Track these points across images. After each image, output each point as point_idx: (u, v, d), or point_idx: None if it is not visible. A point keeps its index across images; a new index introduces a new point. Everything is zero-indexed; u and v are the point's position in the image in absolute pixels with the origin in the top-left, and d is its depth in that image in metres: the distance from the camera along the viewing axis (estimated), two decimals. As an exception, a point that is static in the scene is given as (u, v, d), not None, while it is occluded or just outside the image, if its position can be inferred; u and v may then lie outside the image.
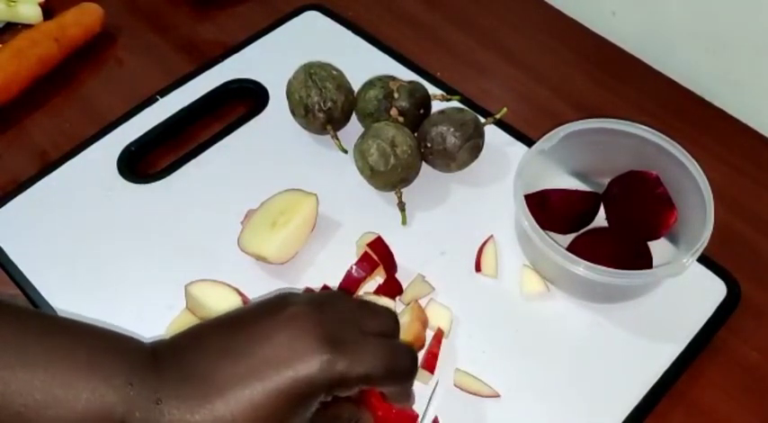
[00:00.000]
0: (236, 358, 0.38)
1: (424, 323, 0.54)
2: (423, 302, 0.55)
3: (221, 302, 0.54)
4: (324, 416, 0.40)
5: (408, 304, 0.55)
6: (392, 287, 0.56)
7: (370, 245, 0.56)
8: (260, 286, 0.57)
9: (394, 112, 0.62)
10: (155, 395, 0.37)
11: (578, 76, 0.72)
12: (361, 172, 0.61)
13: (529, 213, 0.53)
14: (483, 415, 0.52)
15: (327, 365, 0.37)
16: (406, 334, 0.53)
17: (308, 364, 0.37)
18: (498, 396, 0.52)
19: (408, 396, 0.44)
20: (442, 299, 0.56)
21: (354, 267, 0.56)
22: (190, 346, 0.39)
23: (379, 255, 0.56)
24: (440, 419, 0.51)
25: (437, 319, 0.55)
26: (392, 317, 0.43)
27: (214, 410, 0.36)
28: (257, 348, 0.38)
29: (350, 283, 0.56)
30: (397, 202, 0.60)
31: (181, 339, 0.40)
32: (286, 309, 0.40)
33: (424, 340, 0.54)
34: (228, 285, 0.55)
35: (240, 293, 0.55)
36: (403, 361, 0.41)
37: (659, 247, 0.58)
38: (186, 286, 0.55)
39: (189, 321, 0.55)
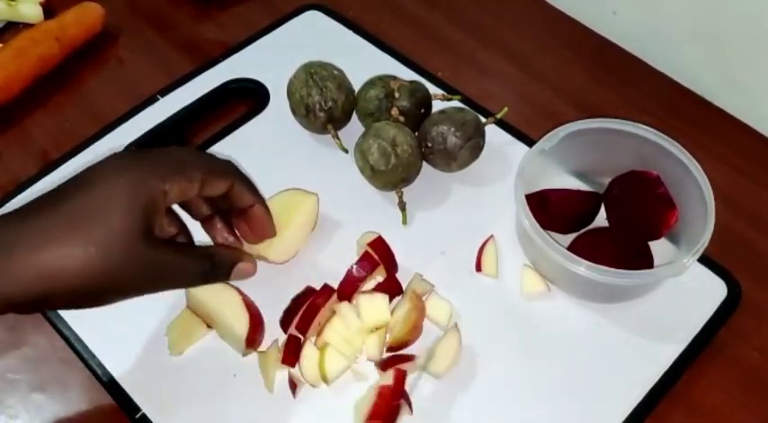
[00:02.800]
0: (53, 206, 0.42)
1: (422, 312, 0.54)
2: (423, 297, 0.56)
3: (222, 301, 0.54)
4: (198, 253, 0.47)
5: (407, 294, 0.55)
6: (392, 287, 0.56)
7: (370, 244, 0.56)
8: (260, 285, 0.57)
9: (395, 111, 0.62)
10: None
11: (579, 75, 0.72)
12: (362, 171, 0.61)
13: (530, 213, 0.53)
14: (483, 415, 0.52)
15: (137, 173, 0.43)
16: (404, 323, 0.53)
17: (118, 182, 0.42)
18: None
19: (252, 192, 0.51)
20: (442, 298, 0.57)
21: (355, 267, 0.56)
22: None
23: (379, 254, 0.56)
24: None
25: (437, 311, 0.55)
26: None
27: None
28: (73, 198, 0.42)
29: (350, 283, 0.56)
30: (398, 201, 0.60)
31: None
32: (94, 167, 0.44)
33: (422, 330, 0.54)
34: (229, 284, 0.55)
35: (240, 292, 0.55)
36: (221, 161, 0.49)
37: (660, 247, 0.58)
38: None
39: (190, 321, 0.55)
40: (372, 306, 0.54)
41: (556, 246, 0.52)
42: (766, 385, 0.54)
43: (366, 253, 0.56)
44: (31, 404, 0.54)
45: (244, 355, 0.54)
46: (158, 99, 0.69)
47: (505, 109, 0.64)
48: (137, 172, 0.43)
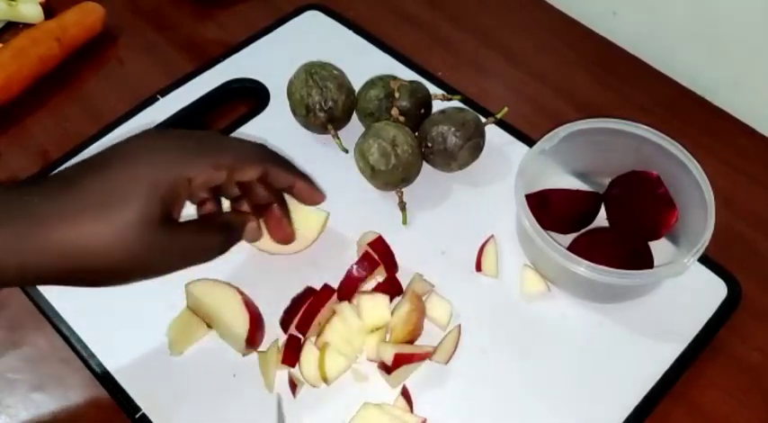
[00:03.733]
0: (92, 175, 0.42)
1: (422, 313, 0.54)
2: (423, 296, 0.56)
3: (222, 301, 0.54)
4: (213, 227, 0.48)
5: (407, 294, 0.55)
6: (392, 287, 0.56)
7: (370, 244, 0.57)
8: (261, 284, 0.57)
9: (395, 111, 0.62)
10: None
11: (579, 75, 0.72)
12: (362, 171, 0.61)
13: (530, 213, 0.53)
14: (483, 415, 0.52)
15: (174, 165, 0.43)
16: (405, 324, 0.53)
17: (156, 165, 0.42)
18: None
19: (289, 172, 0.50)
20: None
21: (355, 267, 0.56)
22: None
23: (379, 254, 0.56)
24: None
25: (437, 311, 0.55)
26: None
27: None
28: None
29: (351, 283, 0.56)
30: (398, 201, 0.60)
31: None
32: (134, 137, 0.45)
33: (422, 330, 0.54)
34: (228, 284, 0.55)
35: (240, 292, 0.55)
36: (252, 146, 0.48)
37: (660, 247, 0.58)
38: (186, 285, 0.55)
39: (190, 321, 0.55)
40: (373, 306, 0.54)
41: (556, 246, 0.52)
42: (766, 385, 0.54)
43: (366, 253, 0.56)
44: (30, 404, 0.54)
45: (244, 355, 0.54)
46: (158, 99, 0.69)
47: (506, 109, 0.64)
48: (162, 156, 0.43)
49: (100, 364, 0.54)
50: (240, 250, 0.57)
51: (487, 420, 0.52)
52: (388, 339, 0.54)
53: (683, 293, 0.56)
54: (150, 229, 0.42)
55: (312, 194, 0.53)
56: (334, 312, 0.54)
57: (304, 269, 0.58)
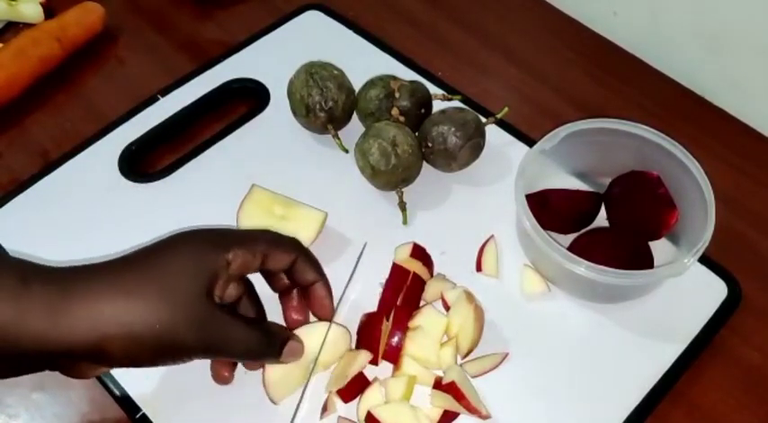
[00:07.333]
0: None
1: (480, 309, 0.54)
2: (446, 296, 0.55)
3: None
4: (254, 324, 0.48)
5: (466, 303, 0.54)
6: (420, 284, 0.56)
7: (413, 254, 0.56)
8: (262, 284, 0.57)
9: (395, 111, 0.62)
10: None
11: (579, 75, 0.72)
12: (363, 171, 0.61)
13: (530, 213, 0.53)
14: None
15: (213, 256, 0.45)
16: (474, 327, 0.52)
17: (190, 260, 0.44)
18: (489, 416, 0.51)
19: (315, 269, 0.51)
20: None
21: (384, 285, 0.56)
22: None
23: (423, 260, 0.56)
24: None
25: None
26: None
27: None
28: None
29: (398, 309, 0.54)
30: (399, 201, 0.60)
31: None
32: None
33: (483, 328, 0.54)
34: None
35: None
36: (285, 236, 0.50)
37: (660, 247, 0.58)
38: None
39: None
40: (431, 320, 0.53)
41: (556, 246, 0.52)
42: (766, 385, 0.54)
43: (398, 268, 0.56)
44: (31, 404, 0.54)
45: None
46: (159, 99, 0.69)
47: (506, 109, 0.64)
48: (202, 241, 0.46)
49: (100, 364, 0.54)
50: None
51: (487, 420, 0.52)
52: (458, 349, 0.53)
53: (683, 293, 0.56)
54: (192, 301, 0.43)
55: (327, 300, 0.52)
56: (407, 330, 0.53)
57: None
